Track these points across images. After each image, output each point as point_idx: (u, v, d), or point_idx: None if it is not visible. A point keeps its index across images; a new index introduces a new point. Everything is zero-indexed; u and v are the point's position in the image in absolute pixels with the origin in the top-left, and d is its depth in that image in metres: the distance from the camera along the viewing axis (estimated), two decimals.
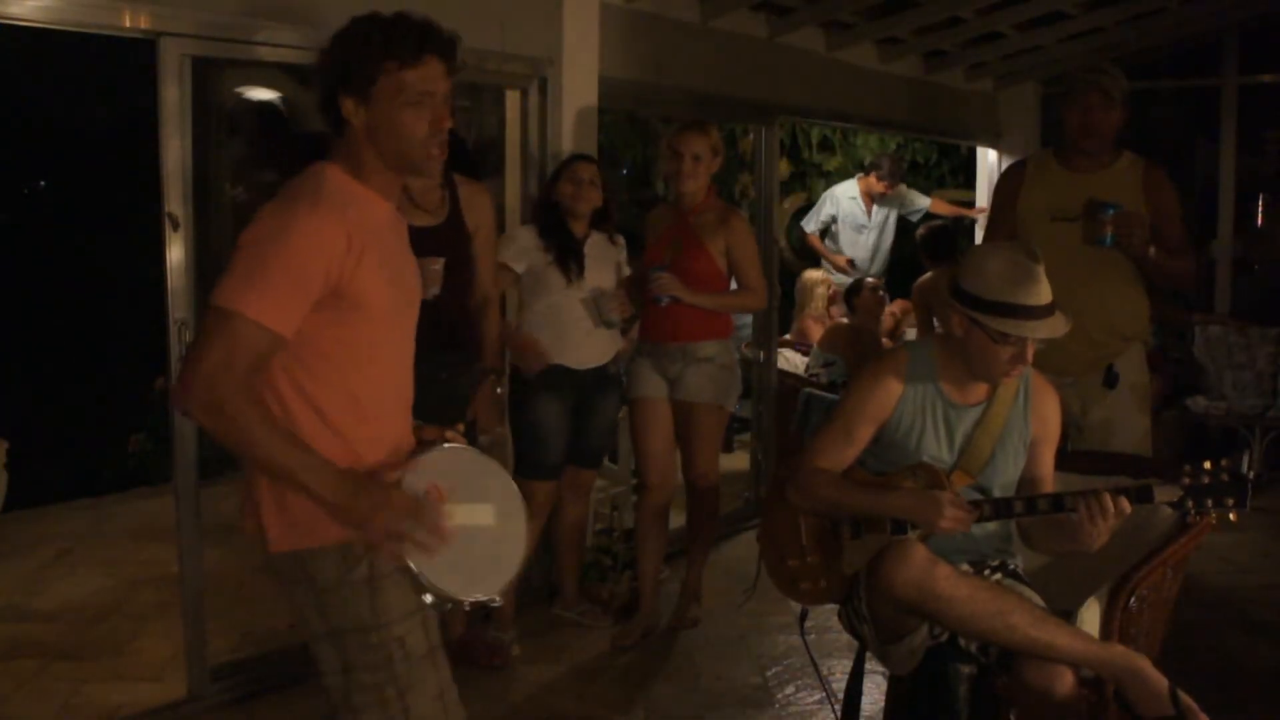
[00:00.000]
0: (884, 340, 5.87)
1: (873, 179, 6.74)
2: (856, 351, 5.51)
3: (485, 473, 1.94)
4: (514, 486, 1.96)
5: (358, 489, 1.73)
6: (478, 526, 1.85)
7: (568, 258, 3.65)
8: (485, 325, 3.46)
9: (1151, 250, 3.27)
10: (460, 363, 3.37)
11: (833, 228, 6.90)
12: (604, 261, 3.74)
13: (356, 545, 1.79)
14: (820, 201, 7.03)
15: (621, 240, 3.87)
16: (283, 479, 1.73)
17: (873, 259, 6.77)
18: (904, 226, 6.90)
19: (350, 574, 1.79)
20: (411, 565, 1.76)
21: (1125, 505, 2.23)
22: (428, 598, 1.79)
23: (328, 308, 1.74)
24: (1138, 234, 3.23)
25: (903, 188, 6.92)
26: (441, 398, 3.34)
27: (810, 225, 6.96)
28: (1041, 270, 2.36)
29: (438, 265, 3.21)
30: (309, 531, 1.78)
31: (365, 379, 1.82)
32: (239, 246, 1.72)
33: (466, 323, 3.37)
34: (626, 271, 3.85)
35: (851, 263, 6.75)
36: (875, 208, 6.75)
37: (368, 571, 1.79)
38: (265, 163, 6.28)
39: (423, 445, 1.92)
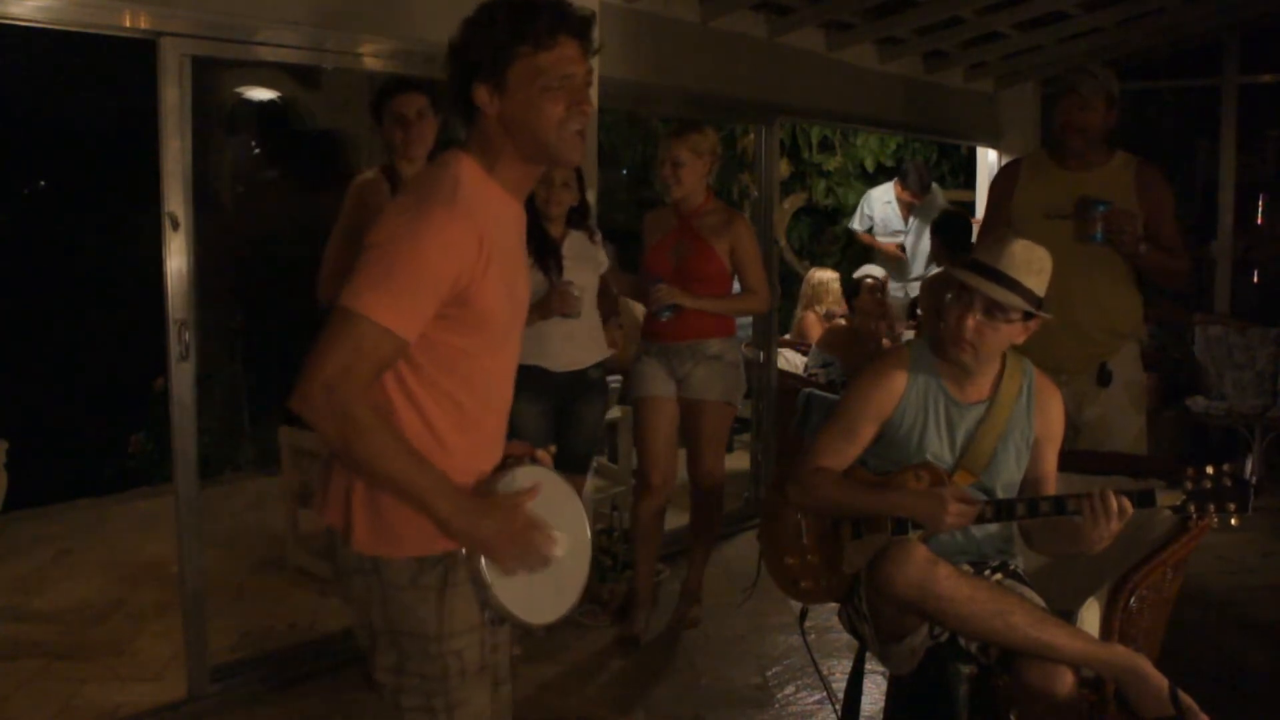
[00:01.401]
0: (884, 341, 5.86)
1: (900, 187, 6.75)
2: (855, 352, 5.52)
3: (564, 499, 1.89)
4: (584, 517, 1.92)
5: (479, 509, 1.69)
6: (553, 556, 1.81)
7: (546, 259, 3.64)
8: None
9: (1143, 247, 3.28)
10: None
11: (872, 230, 6.92)
12: (583, 260, 3.72)
13: (434, 556, 1.74)
14: (860, 204, 7.06)
15: (600, 237, 3.86)
16: (401, 493, 1.66)
17: (910, 264, 6.77)
18: None
19: (421, 578, 1.73)
20: (488, 580, 1.72)
21: (1128, 506, 2.23)
22: (489, 614, 1.75)
23: (448, 314, 1.68)
24: (1128, 231, 3.25)
25: (935, 195, 6.90)
26: None
27: (856, 225, 6.99)
28: (1016, 247, 2.36)
29: None
30: (395, 541, 1.72)
31: (472, 388, 1.76)
32: (368, 245, 1.65)
33: None
34: (606, 265, 3.85)
35: (902, 247, 6.74)
36: (911, 216, 6.76)
37: (441, 579, 1.73)
38: (269, 162, 6.28)
39: (510, 460, 1.87)
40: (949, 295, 2.42)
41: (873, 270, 6.25)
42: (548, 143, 1.71)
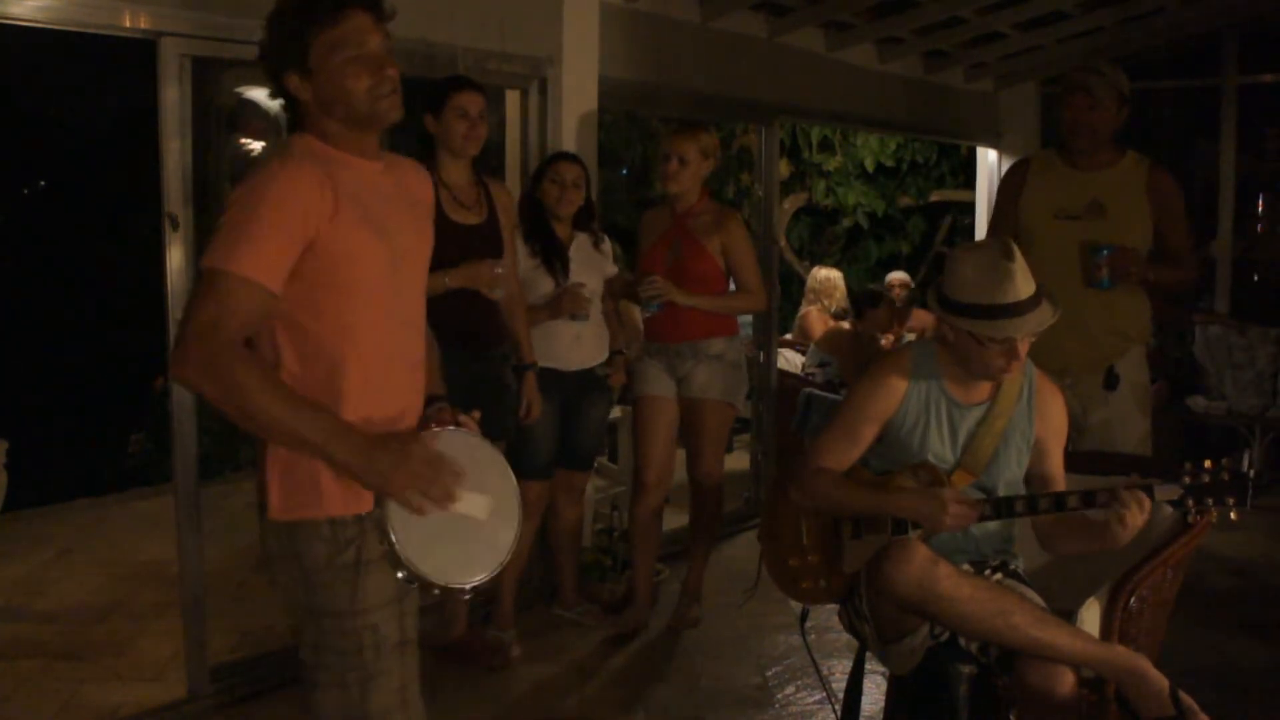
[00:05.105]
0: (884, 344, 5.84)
1: None
2: (856, 357, 5.52)
3: (491, 466, 1.91)
4: (515, 487, 1.93)
5: (373, 445, 1.72)
6: (470, 517, 1.82)
7: (553, 260, 3.65)
8: (518, 322, 3.49)
9: (1151, 275, 3.32)
10: (503, 358, 3.44)
11: None
12: (588, 264, 3.74)
13: (348, 526, 1.79)
14: None
15: (607, 246, 3.87)
16: (292, 442, 1.71)
17: None
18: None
19: (337, 558, 1.79)
20: (393, 537, 1.75)
21: (1146, 500, 2.22)
22: (400, 574, 1.77)
23: (311, 267, 1.73)
24: (1134, 270, 3.29)
25: None
26: (493, 392, 3.36)
27: None
28: (1015, 266, 2.33)
29: (500, 268, 3.24)
30: (304, 504, 1.78)
31: (358, 342, 1.80)
32: (218, 217, 1.72)
33: (501, 319, 3.43)
34: (613, 271, 3.85)
35: None
36: None
37: (354, 557, 1.79)
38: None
39: (436, 424, 1.90)
40: (978, 344, 2.35)
41: (899, 276, 6.23)
42: (364, 112, 1.80)
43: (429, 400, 1.96)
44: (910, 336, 6.13)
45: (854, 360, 5.58)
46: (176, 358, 1.65)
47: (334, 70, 1.77)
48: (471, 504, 1.83)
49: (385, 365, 1.85)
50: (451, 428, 1.90)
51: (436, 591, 1.84)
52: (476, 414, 1.97)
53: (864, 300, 5.82)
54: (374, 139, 1.89)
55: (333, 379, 1.78)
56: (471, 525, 1.83)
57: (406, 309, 1.91)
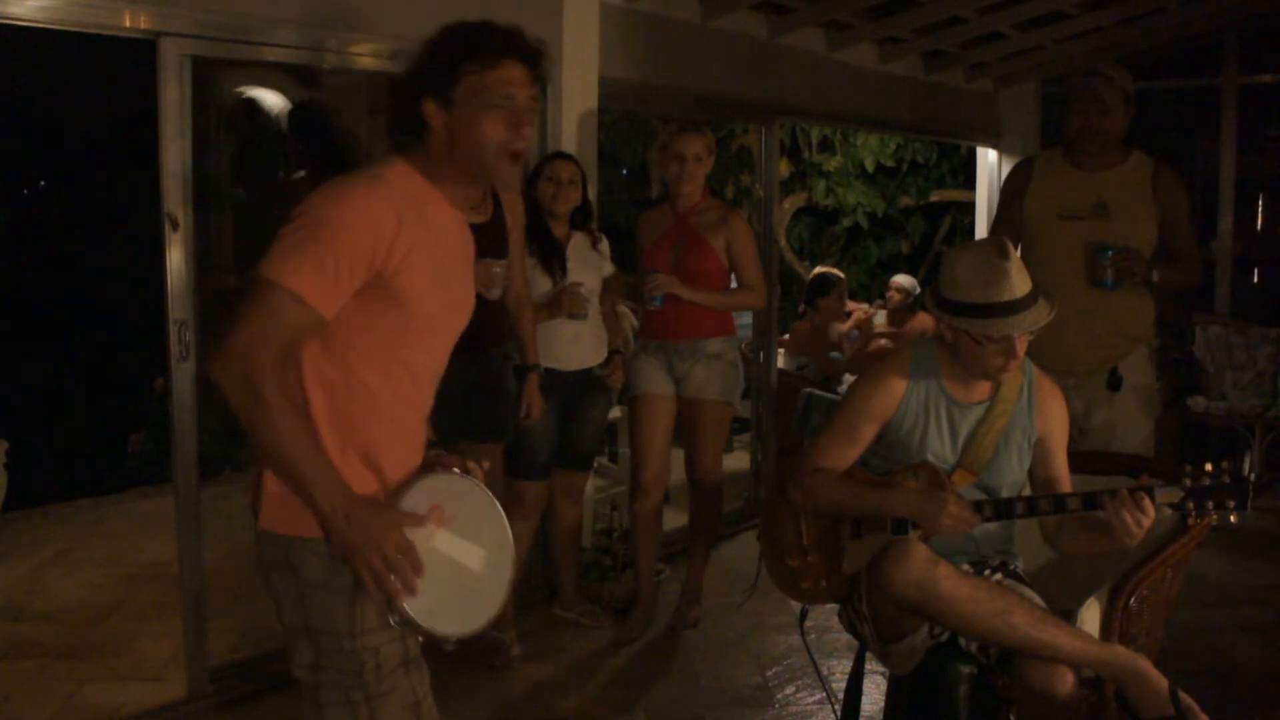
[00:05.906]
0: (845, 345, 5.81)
1: None
2: (824, 349, 5.53)
3: (488, 517, 1.89)
4: (510, 542, 1.91)
5: (356, 520, 1.69)
6: (462, 565, 1.81)
7: (551, 258, 3.64)
8: (524, 324, 3.48)
9: (1155, 275, 3.31)
10: (504, 358, 3.44)
11: None
12: (586, 263, 3.74)
13: None
14: None
15: (605, 246, 3.87)
16: (286, 474, 1.69)
17: None
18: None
19: (335, 576, 1.76)
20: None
21: (1149, 505, 2.22)
22: (393, 618, 1.76)
23: (366, 293, 1.71)
24: (1138, 271, 3.28)
25: None
26: (491, 393, 3.35)
27: None
28: (1011, 265, 2.34)
29: (499, 267, 3.24)
30: (301, 520, 1.73)
31: (386, 376, 1.78)
32: (288, 220, 1.69)
33: (505, 321, 3.43)
34: (610, 270, 3.85)
35: None
36: None
37: (351, 578, 1.75)
38: (304, 164, 6.26)
39: (441, 467, 1.88)
40: (975, 344, 2.36)
41: (904, 279, 6.23)
42: (486, 162, 1.79)
43: (425, 445, 1.94)
44: (880, 320, 6.10)
45: (823, 353, 5.59)
46: (218, 356, 1.63)
47: (475, 112, 1.75)
48: (466, 553, 1.82)
49: (405, 409, 1.84)
50: (456, 471, 1.88)
51: (421, 638, 1.82)
52: (486, 464, 1.95)
53: (815, 290, 5.75)
54: (474, 194, 1.88)
55: (351, 408, 1.76)
56: (464, 574, 1.81)
57: (437, 362, 1.90)
